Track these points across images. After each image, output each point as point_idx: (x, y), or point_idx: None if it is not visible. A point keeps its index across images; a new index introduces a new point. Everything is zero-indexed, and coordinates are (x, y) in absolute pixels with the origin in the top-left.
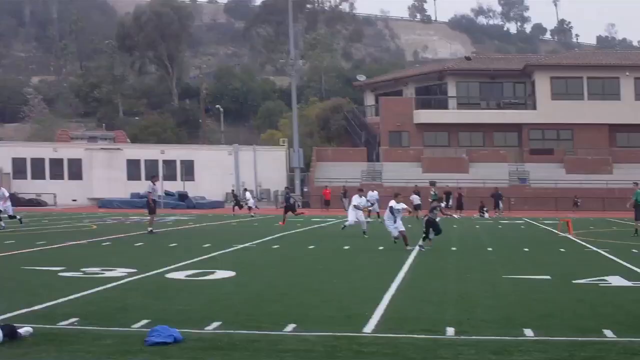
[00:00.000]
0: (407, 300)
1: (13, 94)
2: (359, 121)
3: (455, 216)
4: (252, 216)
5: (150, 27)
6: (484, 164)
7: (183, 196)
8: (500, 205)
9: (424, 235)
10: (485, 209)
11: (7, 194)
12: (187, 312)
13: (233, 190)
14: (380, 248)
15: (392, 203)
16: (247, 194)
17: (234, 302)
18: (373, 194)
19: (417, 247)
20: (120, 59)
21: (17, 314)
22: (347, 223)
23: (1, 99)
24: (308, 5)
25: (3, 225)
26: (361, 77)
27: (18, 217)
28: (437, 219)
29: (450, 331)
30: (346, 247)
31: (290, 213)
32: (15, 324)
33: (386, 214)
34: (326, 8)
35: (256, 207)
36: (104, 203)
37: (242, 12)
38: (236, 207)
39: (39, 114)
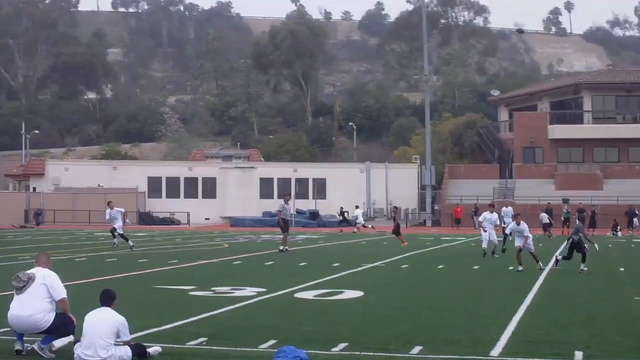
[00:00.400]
0: (535, 322)
1: (150, 114)
2: (493, 137)
3: (596, 246)
4: (354, 233)
5: (286, 45)
6: (618, 180)
7: (314, 215)
8: (635, 223)
9: (566, 255)
10: (618, 227)
11: (122, 211)
12: (314, 333)
13: (342, 208)
14: (510, 268)
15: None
16: (357, 212)
17: (362, 323)
18: (507, 210)
19: (553, 259)
20: (255, 77)
21: (148, 333)
22: (483, 245)
23: (139, 118)
24: (442, 21)
25: (131, 243)
26: (495, 92)
27: (116, 242)
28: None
29: (578, 355)
30: (475, 267)
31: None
32: (145, 344)
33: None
34: (460, 23)
35: (364, 226)
36: (235, 221)
37: (375, 29)
38: (359, 226)
39: (175, 133)
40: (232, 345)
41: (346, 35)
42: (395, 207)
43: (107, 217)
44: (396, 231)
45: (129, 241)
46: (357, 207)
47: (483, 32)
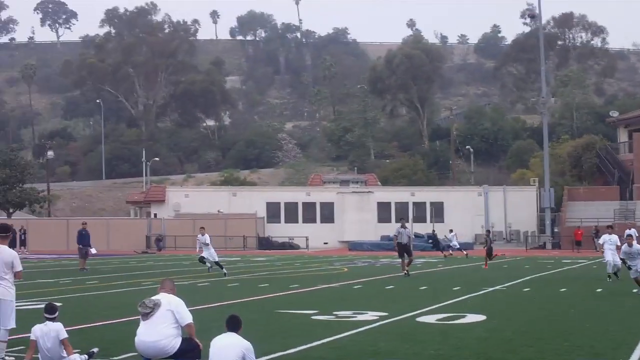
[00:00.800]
0: None
1: (268, 140)
2: (612, 158)
3: None
4: (450, 255)
5: (402, 70)
6: None
7: (432, 238)
8: None
9: None
10: None
11: (208, 241)
12: (438, 357)
13: (433, 231)
14: (634, 291)
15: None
16: (451, 235)
17: (486, 347)
18: (631, 232)
19: None
20: (372, 102)
21: (273, 357)
22: (608, 270)
23: (257, 144)
24: (559, 42)
25: (209, 265)
26: (614, 113)
27: (224, 270)
28: None
29: None
30: (599, 290)
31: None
32: None
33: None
34: (577, 44)
35: (459, 249)
36: (354, 246)
37: (492, 52)
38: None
39: (292, 159)
40: None
41: (462, 58)
42: (488, 231)
43: (199, 244)
44: (488, 253)
45: (210, 267)
46: (450, 230)
47: (601, 53)
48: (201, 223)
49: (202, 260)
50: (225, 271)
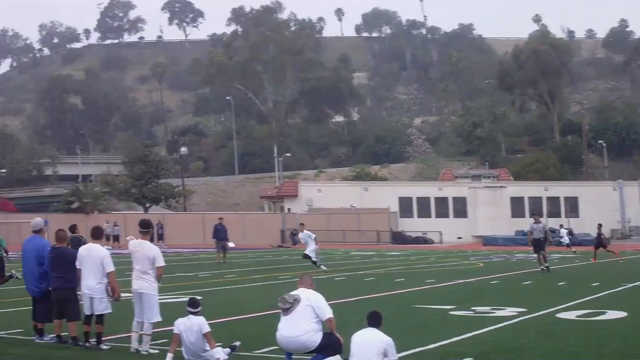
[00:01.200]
0: None
1: (397, 135)
2: None
3: None
4: (574, 252)
5: (530, 65)
6: None
7: (568, 233)
8: None
9: None
10: None
11: (313, 236)
12: (580, 354)
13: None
14: None
15: None
16: (562, 231)
17: (628, 344)
18: None
19: None
20: (500, 97)
21: (411, 353)
22: None
23: (387, 140)
24: None
25: (325, 268)
26: None
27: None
28: None
29: None
30: None
31: (601, 249)
32: None
33: None
34: None
35: (568, 245)
36: (488, 240)
37: (621, 46)
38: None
39: (422, 154)
40: None
41: (590, 53)
42: (600, 225)
43: (302, 240)
44: (601, 246)
45: (321, 266)
46: (561, 225)
47: None
48: (335, 217)
49: (314, 262)
50: (325, 268)
